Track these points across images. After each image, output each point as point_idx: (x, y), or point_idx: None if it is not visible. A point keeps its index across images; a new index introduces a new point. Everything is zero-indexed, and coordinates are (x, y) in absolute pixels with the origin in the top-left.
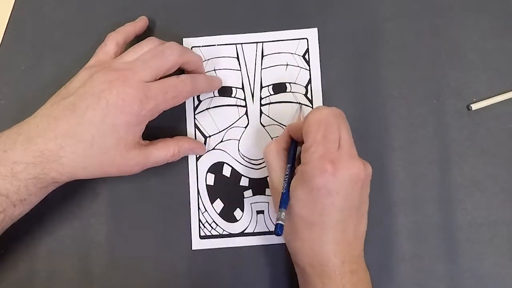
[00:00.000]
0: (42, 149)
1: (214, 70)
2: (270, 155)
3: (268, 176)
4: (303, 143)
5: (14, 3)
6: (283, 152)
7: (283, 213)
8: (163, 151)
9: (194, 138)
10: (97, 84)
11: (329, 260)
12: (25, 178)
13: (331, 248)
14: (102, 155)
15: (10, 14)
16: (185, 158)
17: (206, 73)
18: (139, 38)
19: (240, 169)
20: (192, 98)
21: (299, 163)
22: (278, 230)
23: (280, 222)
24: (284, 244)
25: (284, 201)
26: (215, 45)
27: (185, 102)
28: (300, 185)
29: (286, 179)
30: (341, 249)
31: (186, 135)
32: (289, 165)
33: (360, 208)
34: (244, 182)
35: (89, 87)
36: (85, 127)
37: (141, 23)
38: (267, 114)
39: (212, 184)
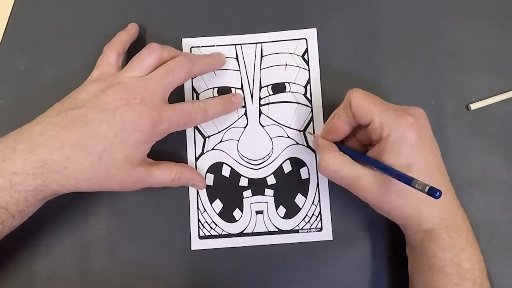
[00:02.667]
0: (46, 159)
1: (214, 70)
2: (337, 164)
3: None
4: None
5: (14, 3)
6: (342, 155)
7: (418, 180)
8: (165, 173)
9: (193, 140)
10: (111, 100)
11: (451, 204)
12: (25, 190)
13: (448, 193)
14: (108, 169)
15: (10, 14)
16: (184, 158)
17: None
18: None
19: (239, 169)
20: (191, 98)
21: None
22: (436, 192)
23: (429, 185)
24: (283, 244)
25: (403, 175)
26: (214, 45)
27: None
28: (396, 154)
29: (382, 165)
30: (451, 190)
31: (186, 135)
32: (368, 158)
33: (437, 145)
34: (243, 182)
35: (103, 102)
36: (97, 140)
37: (133, 30)
38: (266, 114)
39: (211, 184)
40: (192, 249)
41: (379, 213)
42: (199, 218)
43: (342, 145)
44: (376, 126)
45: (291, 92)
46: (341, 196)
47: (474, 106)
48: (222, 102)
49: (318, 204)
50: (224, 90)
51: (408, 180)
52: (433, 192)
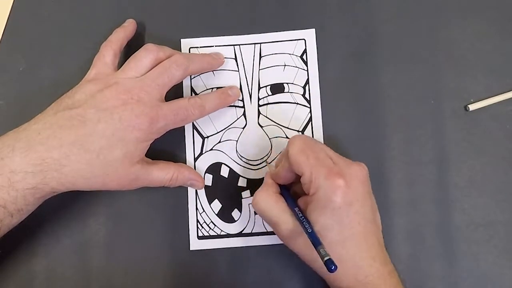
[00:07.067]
0: (44, 157)
1: (213, 71)
2: (267, 204)
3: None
4: (291, 183)
5: (13, 3)
6: (277, 197)
7: (324, 248)
8: (163, 172)
9: (192, 141)
10: (109, 100)
11: (372, 267)
12: (23, 188)
13: (370, 254)
14: (106, 167)
15: (8, 15)
16: (183, 158)
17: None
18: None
19: (238, 169)
20: None
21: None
22: (332, 266)
23: (329, 257)
24: (282, 244)
25: (317, 238)
26: (213, 46)
27: None
28: (319, 213)
29: (303, 218)
30: (377, 252)
31: (185, 136)
32: (296, 208)
33: (373, 204)
34: (242, 182)
35: (100, 102)
36: (95, 138)
37: (130, 27)
38: (265, 115)
39: (210, 184)
40: (191, 249)
41: None
42: (198, 218)
43: (285, 189)
44: (306, 181)
45: (290, 92)
46: None
47: (472, 107)
48: (219, 95)
49: None
50: None
51: (315, 243)
52: (329, 264)
